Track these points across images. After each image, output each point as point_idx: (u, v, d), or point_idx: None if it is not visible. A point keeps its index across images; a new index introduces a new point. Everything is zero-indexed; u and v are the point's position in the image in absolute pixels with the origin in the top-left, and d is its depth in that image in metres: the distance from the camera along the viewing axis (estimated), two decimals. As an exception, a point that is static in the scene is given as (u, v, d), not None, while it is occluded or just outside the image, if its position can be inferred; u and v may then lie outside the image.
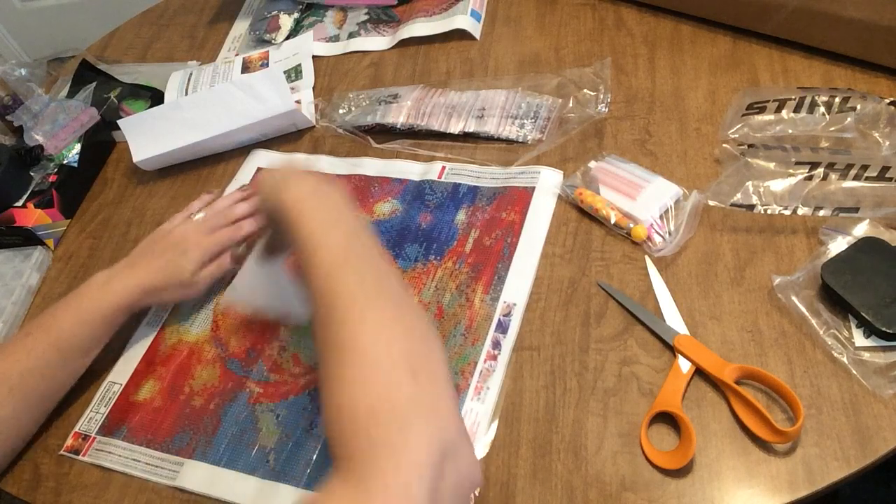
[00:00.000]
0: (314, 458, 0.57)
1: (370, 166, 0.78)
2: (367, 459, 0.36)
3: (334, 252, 0.45)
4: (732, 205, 0.62)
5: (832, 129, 0.65)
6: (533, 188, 0.70)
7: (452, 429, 0.39)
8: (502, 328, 0.61)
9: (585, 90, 0.76)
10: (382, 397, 0.38)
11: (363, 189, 0.76)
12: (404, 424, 0.37)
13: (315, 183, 0.51)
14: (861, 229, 0.59)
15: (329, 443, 0.39)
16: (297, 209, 0.47)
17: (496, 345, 0.60)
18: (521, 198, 0.70)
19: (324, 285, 0.43)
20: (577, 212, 0.68)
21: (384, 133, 0.80)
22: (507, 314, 0.62)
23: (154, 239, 0.67)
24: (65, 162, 0.86)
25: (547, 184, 0.70)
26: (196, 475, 0.58)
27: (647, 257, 0.63)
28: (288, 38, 0.98)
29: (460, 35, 0.90)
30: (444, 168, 0.75)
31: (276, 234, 0.55)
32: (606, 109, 0.74)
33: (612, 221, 0.65)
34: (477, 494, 0.53)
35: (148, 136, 0.83)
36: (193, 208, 0.71)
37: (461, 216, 0.71)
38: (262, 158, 0.83)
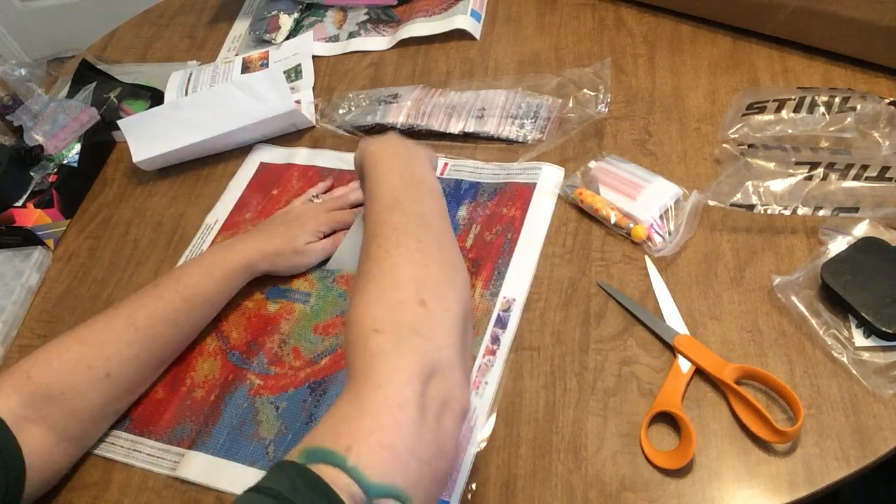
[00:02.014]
0: None
1: None
2: (365, 369, 0.39)
3: (390, 194, 0.49)
4: (732, 205, 0.62)
5: (832, 129, 0.65)
6: (534, 184, 0.71)
7: (446, 353, 0.41)
8: (501, 323, 0.62)
9: (585, 90, 0.76)
10: (387, 316, 0.41)
11: None
12: (399, 340, 0.40)
13: (398, 140, 0.56)
14: (861, 229, 0.59)
15: (345, 359, 0.42)
16: (374, 160, 0.52)
17: (495, 340, 0.61)
18: (522, 194, 0.70)
19: (373, 222, 0.47)
20: (577, 212, 0.68)
21: (384, 133, 0.80)
22: (507, 309, 0.62)
23: (275, 217, 0.74)
24: (65, 162, 0.86)
25: (548, 180, 0.71)
26: (196, 466, 0.59)
27: (647, 257, 0.63)
28: (288, 38, 0.98)
29: (460, 35, 0.90)
30: (446, 165, 0.75)
31: None
32: (606, 109, 0.74)
33: (612, 221, 0.65)
34: (474, 488, 0.53)
35: (147, 137, 0.83)
36: (311, 193, 0.76)
37: (462, 212, 0.71)
38: (265, 154, 0.84)
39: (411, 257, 0.44)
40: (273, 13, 0.99)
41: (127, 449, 0.61)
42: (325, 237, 0.71)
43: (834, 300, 0.56)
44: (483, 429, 0.56)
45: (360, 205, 0.74)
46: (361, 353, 0.40)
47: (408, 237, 0.45)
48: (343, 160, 0.80)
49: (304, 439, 0.37)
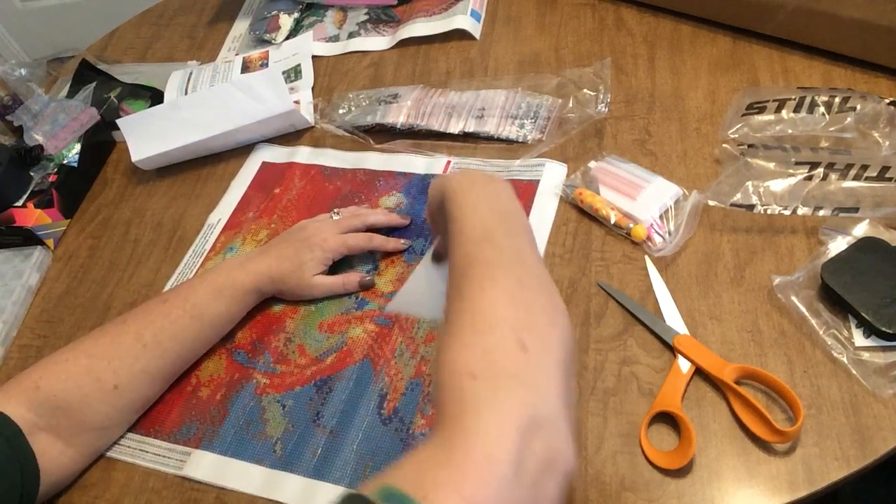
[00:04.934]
0: (321, 448, 0.58)
1: (374, 161, 0.79)
2: (456, 417, 0.36)
3: (480, 228, 0.46)
4: (732, 205, 0.62)
5: (832, 129, 0.65)
6: (538, 181, 0.71)
7: (550, 403, 0.37)
8: None
9: (585, 90, 0.76)
10: (484, 360, 0.38)
11: (368, 183, 0.77)
12: (497, 388, 0.36)
13: (481, 175, 0.53)
14: (861, 229, 0.59)
15: (434, 403, 0.39)
16: (458, 192, 0.49)
17: None
18: (525, 190, 0.71)
19: (463, 256, 0.44)
20: (577, 212, 0.68)
21: (384, 133, 0.80)
22: None
23: (291, 231, 0.70)
24: (65, 162, 0.86)
25: (551, 176, 0.71)
26: (203, 464, 0.59)
27: (646, 257, 0.63)
28: (288, 38, 0.98)
29: (460, 35, 0.90)
30: (449, 163, 0.76)
31: (445, 238, 0.54)
32: (606, 109, 0.74)
33: (612, 221, 0.65)
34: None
35: (146, 136, 0.83)
36: (335, 211, 0.72)
37: None
38: (267, 153, 0.84)
39: (509, 295, 0.41)
40: (273, 13, 0.99)
41: (133, 449, 0.61)
42: (334, 262, 0.68)
43: (834, 300, 0.56)
44: None
45: (375, 229, 0.70)
46: (455, 398, 0.37)
47: (504, 273, 0.42)
48: (345, 160, 0.80)
49: (385, 475, 0.34)
